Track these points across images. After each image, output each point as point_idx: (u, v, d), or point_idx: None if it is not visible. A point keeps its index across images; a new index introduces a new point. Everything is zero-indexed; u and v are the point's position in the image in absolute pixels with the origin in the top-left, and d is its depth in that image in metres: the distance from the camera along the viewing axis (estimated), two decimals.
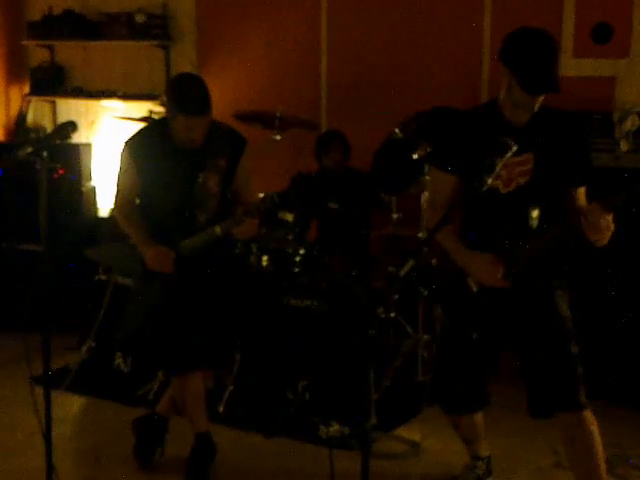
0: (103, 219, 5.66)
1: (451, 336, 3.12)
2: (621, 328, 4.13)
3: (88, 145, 5.70)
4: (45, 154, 2.90)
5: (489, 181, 2.61)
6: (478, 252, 2.89)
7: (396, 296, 4.33)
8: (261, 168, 3.85)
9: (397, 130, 4.48)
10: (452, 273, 2.98)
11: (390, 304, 4.26)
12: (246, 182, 3.46)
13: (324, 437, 3.79)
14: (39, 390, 2.87)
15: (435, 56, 5.01)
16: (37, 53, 6.24)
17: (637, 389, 4.16)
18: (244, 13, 5.54)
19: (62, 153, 5.29)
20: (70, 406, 4.26)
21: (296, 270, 4.29)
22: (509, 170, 2.82)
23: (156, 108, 5.58)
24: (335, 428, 3.82)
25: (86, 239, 5.19)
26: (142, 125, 3.90)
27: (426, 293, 4.27)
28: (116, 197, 3.49)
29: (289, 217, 4.35)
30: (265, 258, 4.31)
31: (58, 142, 3.07)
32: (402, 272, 2.30)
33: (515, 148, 2.66)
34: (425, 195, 4.34)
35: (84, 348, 4.45)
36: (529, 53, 2.77)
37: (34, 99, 6.29)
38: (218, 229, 3.27)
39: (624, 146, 4.28)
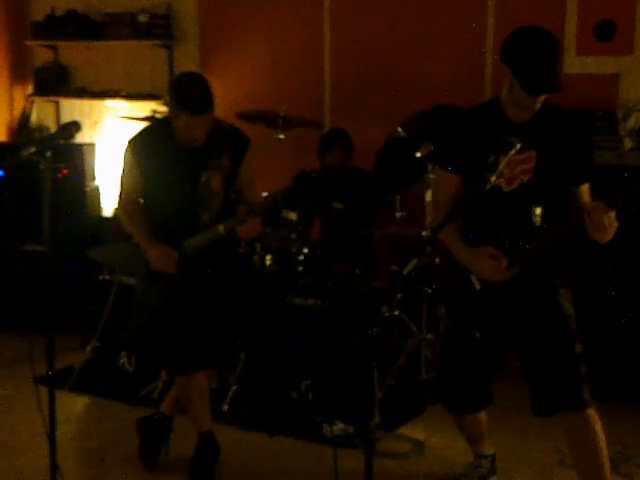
0: (107, 219, 5.66)
1: (454, 335, 3.12)
2: (621, 328, 4.12)
3: (91, 145, 5.71)
4: (49, 154, 2.89)
5: (493, 179, 2.61)
6: (479, 248, 2.89)
7: (399, 295, 4.34)
8: (264, 167, 3.85)
9: (399, 129, 4.48)
10: (455, 272, 2.98)
11: (394, 303, 4.26)
12: (250, 181, 3.46)
13: (328, 436, 3.79)
14: (43, 390, 2.87)
15: (438, 55, 5.01)
16: (40, 53, 6.25)
17: (637, 389, 4.14)
18: (247, 13, 5.54)
19: (66, 153, 5.29)
20: (74, 406, 4.27)
21: (299, 269, 4.30)
22: (512, 168, 2.82)
23: (159, 108, 5.58)
24: (339, 427, 3.82)
25: (89, 239, 5.20)
26: (145, 125, 3.90)
27: (430, 292, 4.27)
28: (119, 196, 3.49)
29: (293, 216, 4.35)
30: (268, 257, 4.31)
31: (62, 142, 3.06)
32: (406, 271, 2.30)
33: (519, 146, 2.67)
34: (428, 193, 4.34)
35: (88, 348, 4.45)
36: (530, 53, 2.77)
37: (38, 99, 6.29)
38: (221, 228, 3.26)
39: (628, 144, 4.28)
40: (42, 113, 6.34)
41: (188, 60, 5.71)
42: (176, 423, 3.65)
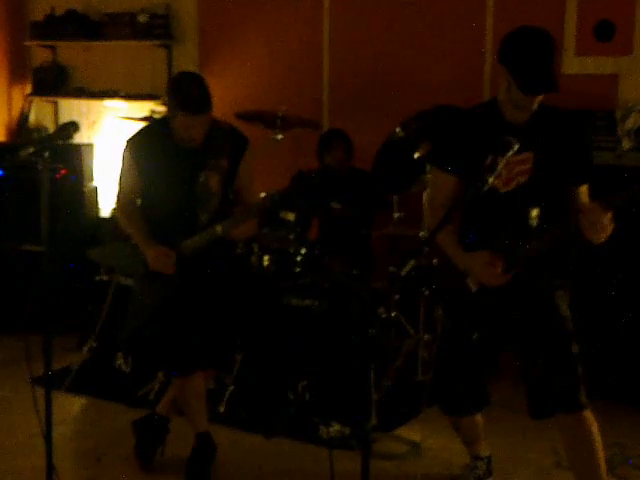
0: (105, 219, 5.65)
1: (451, 337, 3.12)
2: (621, 328, 4.12)
3: (90, 145, 5.71)
4: (47, 154, 2.89)
5: (491, 180, 2.61)
6: (476, 252, 2.88)
7: (397, 296, 4.33)
8: (263, 167, 3.85)
9: (399, 129, 4.47)
10: (452, 273, 2.98)
11: (391, 304, 4.26)
12: (248, 182, 3.45)
13: (324, 437, 3.78)
14: (40, 391, 2.87)
15: (437, 55, 5.00)
16: (39, 53, 6.25)
17: (637, 389, 4.14)
18: (246, 13, 5.54)
19: (64, 153, 5.29)
20: (71, 407, 4.27)
21: (297, 270, 4.29)
22: (509, 169, 2.81)
23: (158, 108, 5.58)
24: (335, 428, 3.81)
25: (88, 239, 5.19)
26: (144, 124, 3.90)
27: (427, 293, 4.26)
28: (117, 197, 3.48)
29: (290, 216, 4.35)
30: (266, 258, 4.30)
31: (60, 142, 3.06)
32: (403, 272, 2.30)
33: (517, 147, 2.66)
34: (427, 194, 4.34)
35: (85, 348, 4.45)
36: (527, 53, 2.76)
37: (36, 99, 6.29)
38: (219, 228, 3.26)
39: (626, 144, 4.27)
40: (40, 113, 6.34)
41: (187, 60, 5.71)
42: (173, 424, 3.64)
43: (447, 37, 4.97)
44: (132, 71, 5.95)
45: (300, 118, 4.63)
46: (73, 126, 3.07)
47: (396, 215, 4.55)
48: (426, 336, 4.34)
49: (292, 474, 3.60)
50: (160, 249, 3.31)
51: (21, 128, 6.28)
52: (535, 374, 2.94)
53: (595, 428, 2.89)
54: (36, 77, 6.23)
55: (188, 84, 3.25)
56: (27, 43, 6.20)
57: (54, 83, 6.14)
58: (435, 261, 3.88)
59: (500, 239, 2.87)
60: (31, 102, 6.32)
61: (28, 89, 6.31)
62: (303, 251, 4.32)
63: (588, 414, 2.88)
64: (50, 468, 2.92)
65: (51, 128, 6.24)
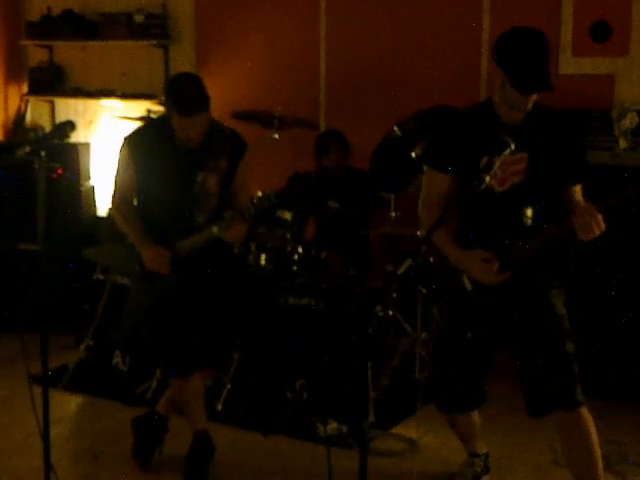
0: (102, 219, 5.65)
1: (447, 335, 3.13)
2: (621, 328, 4.13)
3: (87, 145, 5.71)
4: (43, 154, 2.89)
5: (487, 180, 2.62)
6: (471, 251, 2.89)
7: (394, 294, 4.34)
8: (259, 167, 3.85)
9: (395, 128, 4.48)
10: (447, 272, 2.99)
11: (388, 302, 4.27)
12: (243, 185, 3.44)
13: (322, 435, 3.79)
14: (37, 389, 2.86)
15: (434, 56, 5.01)
16: (36, 53, 6.24)
17: (636, 387, 4.15)
18: (243, 12, 5.54)
19: (61, 153, 5.29)
20: (68, 405, 4.27)
21: (294, 269, 4.29)
22: (503, 169, 2.82)
23: (154, 107, 5.58)
24: (333, 426, 3.82)
25: (85, 239, 5.19)
26: (141, 124, 3.90)
27: (424, 291, 4.27)
28: (113, 195, 3.47)
29: (287, 215, 4.36)
30: (263, 257, 4.31)
31: (57, 142, 3.06)
32: (400, 271, 2.31)
33: (513, 146, 2.68)
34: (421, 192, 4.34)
35: (82, 347, 4.45)
36: (521, 53, 2.77)
37: (32, 99, 6.29)
38: (215, 229, 3.25)
39: (623, 144, 4.28)
40: (37, 113, 6.33)
41: (184, 60, 5.71)
42: (171, 422, 3.64)
43: (444, 37, 4.98)
44: (129, 71, 5.95)
45: (297, 118, 4.63)
46: (70, 125, 3.08)
47: (393, 214, 4.56)
48: (423, 334, 4.35)
49: (290, 472, 3.60)
50: (156, 249, 3.31)
51: (18, 127, 6.27)
52: (531, 372, 2.95)
53: (591, 425, 2.90)
54: (32, 77, 6.23)
55: (185, 85, 3.25)
56: (23, 43, 6.19)
57: (50, 83, 6.14)
58: (432, 260, 3.90)
59: (496, 239, 2.88)
60: (28, 102, 6.31)
61: (25, 89, 6.31)
62: (300, 250, 4.32)
63: (584, 411, 2.89)
64: (48, 467, 2.92)
65: (48, 127, 6.23)
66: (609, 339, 4.16)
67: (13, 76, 6.28)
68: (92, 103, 6.07)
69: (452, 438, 3.48)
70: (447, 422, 3.36)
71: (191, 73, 3.64)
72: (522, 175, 2.88)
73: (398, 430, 3.95)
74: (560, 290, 2.99)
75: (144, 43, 5.77)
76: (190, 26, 5.73)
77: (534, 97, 2.83)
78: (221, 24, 5.63)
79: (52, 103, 6.26)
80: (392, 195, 4.59)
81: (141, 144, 3.38)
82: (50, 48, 6.17)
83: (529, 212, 2.88)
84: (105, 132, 6.05)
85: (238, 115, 4.58)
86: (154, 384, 4.19)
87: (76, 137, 5.82)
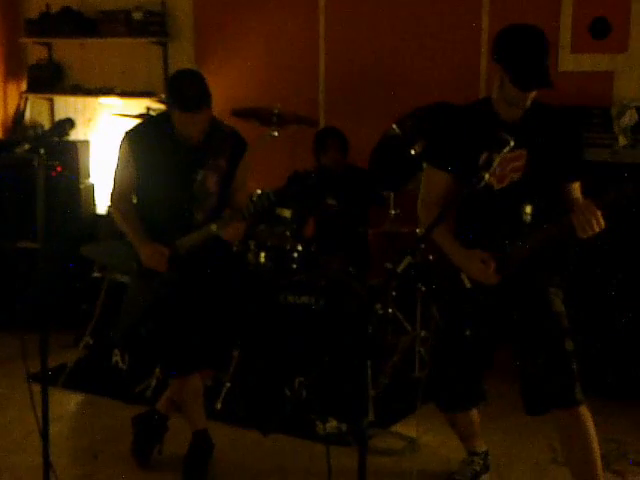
0: (101, 216, 5.65)
1: (446, 334, 3.12)
2: (621, 328, 4.13)
3: (86, 142, 5.70)
4: (43, 151, 2.89)
5: (487, 177, 2.62)
6: (470, 250, 2.89)
7: (394, 293, 4.34)
8: (259, 165, 3.85)
9: (395, 126, 4.47)
10: (446, 269, 2.98)
11: (388, 300, 4.26)
12: (242, 184, 3.43)
13: (321, 434, 3.79)
14: (36, 388, 2.86)
15: (433, 54, 5.00)
16: (35, 50, 6.23)
17: (636, 386, 4.15)
18: (242, 10, 5.53)
19: (60, 151, 5.29)
20: (67, 404, 4.27)
21: (294, 267, 4.29)
22: (503, 166, 2.82)
23: (154, 105, 5.58)
24: (332, 425, 3.82)
25: (84, 237, 5.19)
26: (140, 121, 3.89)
27: (424, 289, 4.27)
28: (112, 191, 3.46)
29: (287, 213, 4.35)
30: (263, 255, 4.30)
31: (56, 139, 3.06)
32: (399, 269, 2.31)
33: (512, 143, 2.68)
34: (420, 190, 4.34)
35: (81, 345, 4.45)
36: (520, 49, 2.77)
37: (32, 96, 6.28)
38: (214, 227, 3.25)
39: (622, 141, 4.28)
40: (36, 110, 6.33)
41: (183, 57, 5.70)
42: (170, 421, 3.64)
43: (443, 35, 4.97)
44: (128, 68, 5.94)
45: (296, 115, 4.63)
46: (69, 123, 3.07)
47: (392, 212, 4.55)
48: (423, 332, 4.35)
49: (289, 471, 3.60)
50: (154, 246, 3.30)
51: (17, 125, 6.27)
52: (531, 371, 2.94)
53: (590, 424, 2.89)
54: (32, 74, 6.22)
55: (185, 82, 3.24)
56: (22, 40, 6.18)
57: (50, 80, 6.13)
58: (431, 258, 3.90)
59: (495, 236, 2.88)
60: (27, 99, 6.31)
61: (24, 86, 6.30)
62: (299, 248, 4.32)
63: (584, 410, 2.89)
64: (47, 465, 2.91)
65: (47, 125, 6.23)
66: (609, 339, 4.15)
67: (12, 74, 6.27)
68: (91, 101, 6.07)
69: (452, 437, 3.48)
70: (447, 421, 3.35)
71: (193, 69, 3.64)
72: (521, 172, 2.88)
73: (398, 428, 3.95)
74: (559, 289, 2.99)
75: (143, 41, 5.76)
76: (189, 24, 5.73)
77: (533, 94, 2.82)
78: (220, 21, 5.62)
79: (51, 101, 6.26)
80: (392, 193, 4.58)
81: (141, 141, 3.37)
82: (49, 46, 6.16)
83: (528, 209, 2.88)
84: (104, 130, 6.04)
85: (237, 113, 4.57)
86: (153, 382, 4.18)
87: (75, 135, 5.81)
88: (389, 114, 4.67)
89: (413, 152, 4.34)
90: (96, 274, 4.57)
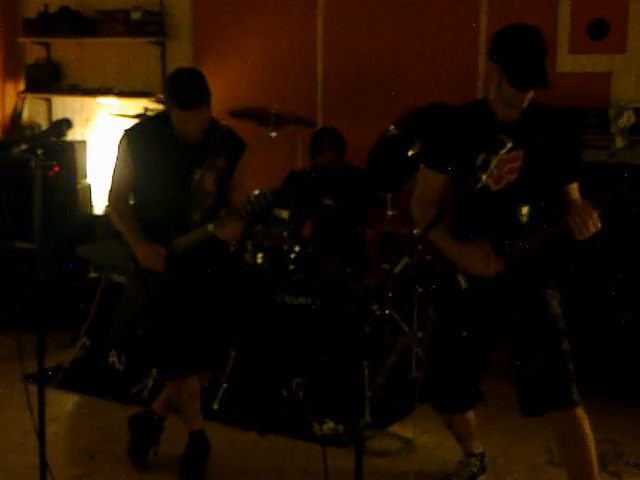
0: (98, 217, 5.65)
1: (442, 335, 3.12)
2: (621, 328, 4.12)
3: (83, 142, 5.70)
4: (40, 152, 2.89)
5: (484, 178, 2.62)
6: (466, 244, 2.89)
7: (390, 293, 4.34)
8: (256, 165, 3.84)
9: (392, 127, 4.47)
10: (442, 270, 2.98)
11: (385, 301, 4.26)
12: (239, 184, 3.43)
13: (318, 434, 3.78)
14: (33, 388, 2.86)
15: (431, 55, 5.00)
16: (33, 50, 6.23)
17: (635, 386, 4.15)
18: (240, 10, 5.53)
19: (57, 151, 5.28)
20: (64, 404, 4.26)
21: (291, 267, 4.29)
22: (499, 167, 2.81)
23: (152, 105, 5.57)
24: (329, 425, 3.81)
25: (81, 237, 5.18)
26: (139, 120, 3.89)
27: (421, 290, 4.27)
28: (110, 191, 3.45)
29: (284, 214, 4.35)
30: (260, 255, 4.30)
31: (53, 139, 3.06)
32: (396, 269, 2.30)
33: (510, 145, 2.68)
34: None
35: (78, 345, 4.45)
36: (517, 50, 2.77)
37: (29, 96, 6.28)
38: (211, 227, 3.25)
39: (619, 142, 4.27)
40: (34, 110, 6.32)
41: (181, 57, 5.70)
42: (167, 422, 3.63)
43: (441, 36, 4.96)
44: (126, 68, 5.93)
45: (294, 115, 4.63)
46: (66, 123, 3.07)
47: (390, 213, 4.55)
48: (420, 333, 4.35)
49: (286, 471, 3.60)
50: (151, 245, 3.30)
51: (14, 125, 6.26)
52: (527, 372, 2.94)
53: (587, 425, 2.89)
54: (29, 74, 6.21)
55: (184, 79, 3.25)
56: (21, 40, 6.17)
57: (47, 80, 6.13)
58: (428, 258, 3.90)
59: (493, 237, 2.88)
60: (24, 99, 6.30)
61: (21, 86, 6.29)
62: (297, 249, 4.32)
63: (580, 411, 2.89)
64: (43, 466, 2.91)
65: (44, 125, 6.22)
66: (609, 339, 4.15)
67: (10, 74, 6.26)
68: (89, 101, 6.06)
69: (448, 438, 3.48)
70: (443, 422, 3.35)
71: (192, 68, 3.63)
72: (518, 173, 2.88)
73: (394, 429, 3.95)
74: (556, 290, 2.99)
75: (141, 40, 5.75)
76: (187, 23, 5.72)
77: (530, 94, 2.82)
78: (218, 21, 5.62)
79: (49, 101, 6.25)
80: (389, 193, 4.58)
81: (139, 140, 3.37)
82: (47, 45, 6.15)
83: (525, 210, 2.88)
84: (102, 130, 6.04)
85: (235, 113, 4.57)
86: (150, 383, 4.18)
87: (73, 135, 5.80)
88: (387, 114, 4.67)
89: (411, 153, 4.34)
90: (93, 274, 4.56)
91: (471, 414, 3.32)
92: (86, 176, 5.61)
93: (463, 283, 2.94)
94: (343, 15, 5.23)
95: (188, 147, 3.30)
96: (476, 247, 2.87)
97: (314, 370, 3.97)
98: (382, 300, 4.24)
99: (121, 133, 3.41)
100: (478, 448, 3.45)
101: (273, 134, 4.52)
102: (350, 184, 4.77)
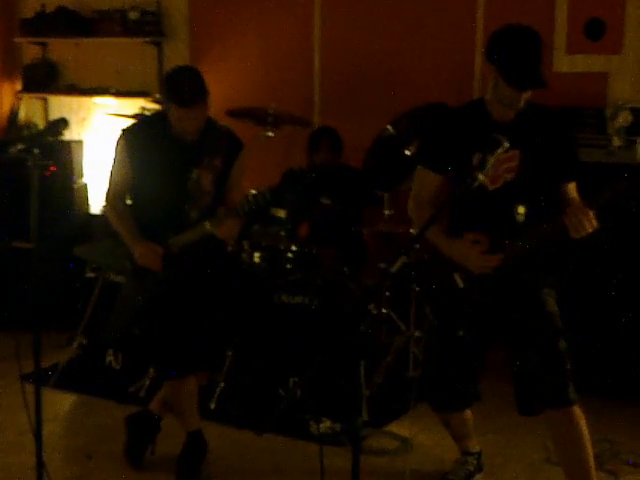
0: (95, 216, 5.64)
1: (439, 334, 3.12)
2: (621, 328, 4.13)
3: (80, 142, 5.70)
4: (37, 151, 2.89)
5: (481, 177, 2.62)
6: (462, 240, 2.89)
7: (387, 292, 4.34)
8: (253, 164, 3.84)
9: (389, 126, 4.48)
10: (439, 269, 2.99)
11: (382, 300, 4.26)
12: (236, 184, 3.43)
13: (315, 433, 3.78)
14: (29, 388, 2.86)
15: (428, 55, 5.00)
16: (30, 50, 6.22)
17: (635, 386, 4.16)
18: (237, 10, 5.53)
19: (54, 150, 5.27)
20: (61, 404, 4.26)
21: (288, 267, 4.29)
22: (496, 167, 2.82)
23: (148, 105, 5.57)
24: (326, 424, 3.82)
25: (78, 237, 5.18)
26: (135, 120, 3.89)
27: (418, 289, 4.27)
28: (108, 190, 3.45)
29: (281, 213, 4.35)
30: (257, 255, 4.30)
31: (50, 139, 3.05)
32: (393, 269, 2.31)
33: (507, 145, 2.68)
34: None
35: (74, 345, 4.44)
36: (514, 50, 2.78)
37: (26, 96, 6.27)
38: (208, 225, 3.25)
39: (616, 142, 4.28)
40: (30, 110, 6.32)
41: (178, 57, 5.70)
42: (163, 421, 3.63)
43: (438, 36, 4.97)
44: (123, 68, 5.93)
45: (291, 115, 4.63)
46: (63, 123, 3.07)
47: (387, 212, 4.56)
48: (417, 332, 4.35)
49: (283, 470, 3.60)
50: (148, 245, 3.29)
51: (11, 125, 6.25)
52: (524, 371, 2.95)
53: (583, 424, 2.90)
54: (26, 74, 6.21)
55: (181, 77, 3.25)
56: (17, 40, 6.17)
57: (44, 80, 6.12)
58: (425, 257, 3.90)
59: (490, 237, 2.88)
60: (21, 99, 6.29)
61: (18, 86, 6.29)
62: (294, 248, 4.32)
63: (577, 410, 2.89)
64: (40, 465, 2.91)
65: (41, 125, 6.21)
66: (609, 339, 4.16)
67: (7, 73, 6.26)
68: (86, 100, 6.06)
69: (445, 436, 3.49)
70: (440, 421, 3.36)
71: (190, 66, 3.63)
72: (514, 172, 2.88)
73: (391, 428, 3.95)
74: (552, 289, 2.99)
75: (138, 40, 5.75)
76: (184, 23, 5.72)
77: (527, 94, 2.83)
78: (215, 21, 5.62)
79: (45, 100, 6.25)
80: (386, 193, 4.58)
81: (137, 140, 3.37)
82: (44, 45, 6.15)
83: (521, 209, 2.89)
84: (98, 130, 6.03)
85: (232, 113, 4.57)
86: (147, 382, 4.18)
87: (69, 135, 5.79)
88: (384, 114, 4.67)
89: (408, 153, 4.34)
90: (90, 274, 4.55)
91: (468, 413, 3.32)
92: (83, 176, 5.61)
93: (460, 282, 2.95)
94: (340, 15, 5.23)
95: (185, 146, 3.30)
96: (469, 241, 2.87)
97: (311, 369, 3.97)
98: (379, 299, 4.24)
99: (118, 133, 3.41)
100: (475, 447, 3.45)
101: (270, 134, 4.52)
102: (347, 184, 4.77)
